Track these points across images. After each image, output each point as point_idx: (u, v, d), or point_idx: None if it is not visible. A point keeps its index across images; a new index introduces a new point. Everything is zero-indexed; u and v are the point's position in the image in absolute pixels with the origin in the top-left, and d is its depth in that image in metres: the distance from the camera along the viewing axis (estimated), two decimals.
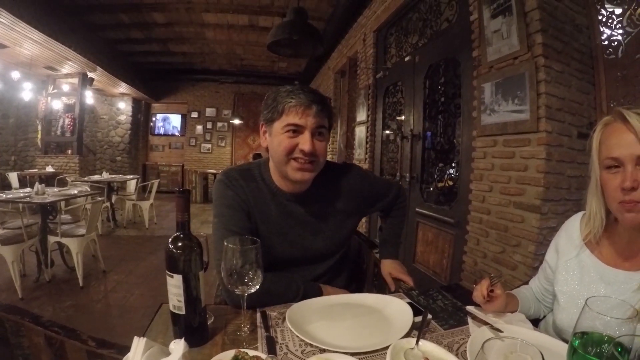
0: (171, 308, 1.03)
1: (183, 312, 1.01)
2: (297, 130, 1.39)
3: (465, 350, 1.00)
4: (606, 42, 2.75)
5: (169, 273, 1.00)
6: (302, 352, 1.00)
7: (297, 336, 1.07)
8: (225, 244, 1.03)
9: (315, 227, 1.57)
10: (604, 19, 2.75)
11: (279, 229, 1.53)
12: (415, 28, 4.85)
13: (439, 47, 4.21)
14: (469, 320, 1.20)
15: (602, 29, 2.77)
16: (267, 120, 1.48)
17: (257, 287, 1.05)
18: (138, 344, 0.87)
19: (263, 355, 0.91)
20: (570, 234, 1.29)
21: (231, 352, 0.91)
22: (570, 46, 2.72)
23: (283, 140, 1.40)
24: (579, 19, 2.79)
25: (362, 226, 5.93)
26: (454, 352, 0.99)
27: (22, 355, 1.43)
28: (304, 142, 1.38)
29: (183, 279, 0.99)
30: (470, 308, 1.25)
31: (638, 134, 0.98)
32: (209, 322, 1.13)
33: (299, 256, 1.55)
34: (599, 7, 2.77)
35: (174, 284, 0.99)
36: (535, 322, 1.38)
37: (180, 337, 0.93)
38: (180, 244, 1.00)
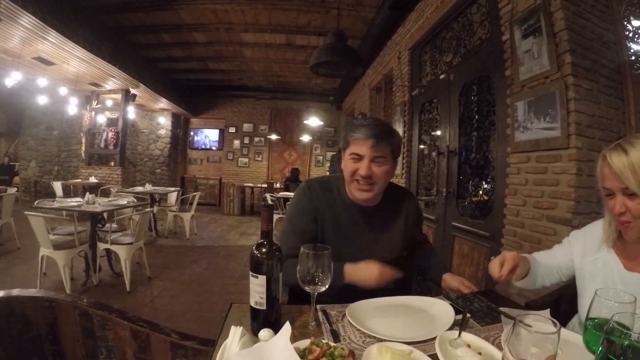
0: (253, 304, 1.21)
1: (264, 307, 1.19)
2: (358, 157, 1.70)
3: (500, 342, 1.17)
4: (634, 58, 2.79)
5: (254, 274, 1.19)
6: (362, 342, 1.17)
7: (357, 329, 1.24)
8: (302, 249, 1.24)
9: (378, 238, 1.82)
10: (630, 35, 2.80)
11: (347, 235, 1.80)
12: (450, 46, 4.96)
13: (472, 65, 4.30)
14: (502, 318, 1.35)
15: (629, 45, 2.81)
16: (342, 147, 1.84)
17: (326, 287, 1.25)
18: (235, 332, 1.06)
19: (332, 343, 1.08)
20: (596, 235, 1.46)
21: (307, 341, 1.07)
22: (598, 63, 2.78)
23: (348, 164, 1.73)
24: (607, 36, 2.84)
25: None
26: (490, 343, 1.15)
27: (105, 347, 1.64)
28: (361, 167, 1.68)
29: (266, 280, 1.18)
30: (503, 309, 1.40)
31: (617, 171, 1.19)
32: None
33: (360, 260, 1.75)
34: (625, 22, 2.82)
35: (258, 284, 1.18)
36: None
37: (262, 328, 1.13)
38: (264, 250, 1.20)
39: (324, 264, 1.23)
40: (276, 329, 1.10)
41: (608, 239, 1.39)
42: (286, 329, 1.01)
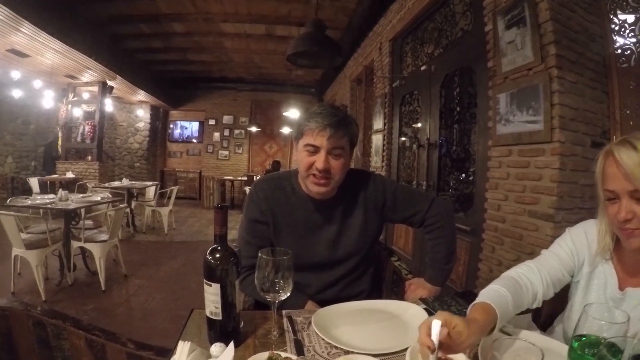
0: (208, 314, 1.10)
1: (219, 317, 1.08)
2: (314, 149, 1.56)
3: (477, 352, 1.06)
4: (619, 51, 2.75)
5: (207, 282, 1.08)
6: (328, 354, 1.07)
7: (323, 339, 1.14)
8: (260, 254, 1.13)
9: (338, 231, 1.71)
10: (616, 28, 2.75)
11: (305, 233, 1.70)
12: (431, 37, 4.91)
13: (454, 56, 4.26)
14: None
15: (615, 38, 2.77)
16: (294, 138, 1.68)
17: (288, 294, 1.14)
18: (183, 347, 0.95)
19: (293, 357, 0.98)
20: (592, 243, 1.27)
21: (265, 354, 0.98)
22: (584, 56, 2.74)
23: (304, 158, 1.59)
24: (593, 29, 2.80)
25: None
26: (467, 354, 1.03)
27: (62, 357, 1.52)
28: (319, 161, 1.54)
29: (220, 288, 1.07)
30: None
31: (627, 170, 1.01)
32: (240, 326, 1.20)
33: (322, 258, 1.70)
34: (611, 15, 2.78)
35: (212, 292, 1.07)
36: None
37: (217, 341, 1.02)
38: (218, 255, 1.09)
39: (284, 269, 1.12)
40: (235, 338, 1.03)
41: (603, 250, 1.22)
42: (230, 350, 0.92)
